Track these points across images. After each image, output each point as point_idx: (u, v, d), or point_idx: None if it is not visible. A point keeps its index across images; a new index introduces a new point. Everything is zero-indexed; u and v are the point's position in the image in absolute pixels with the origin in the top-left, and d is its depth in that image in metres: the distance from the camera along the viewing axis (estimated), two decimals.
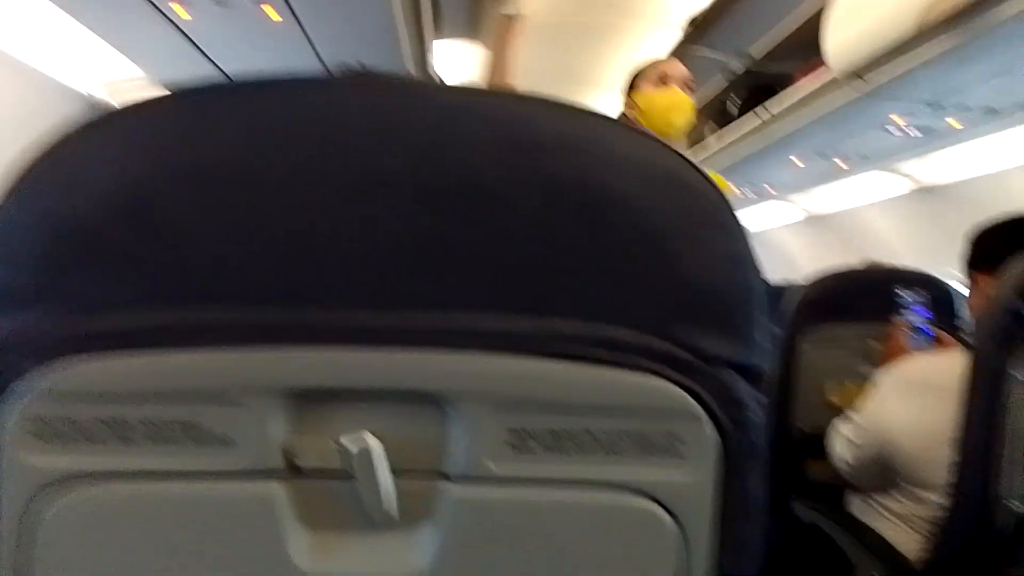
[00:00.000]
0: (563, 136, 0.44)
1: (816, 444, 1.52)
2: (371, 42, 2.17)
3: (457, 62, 4.64)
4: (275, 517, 0.43)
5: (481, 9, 3.58)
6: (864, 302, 1.79)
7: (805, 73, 2.83)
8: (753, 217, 5.45)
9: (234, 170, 0.42)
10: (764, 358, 0.46)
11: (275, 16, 1.92)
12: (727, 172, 3.99)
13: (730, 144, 3.67)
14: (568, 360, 0.43)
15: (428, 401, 0.43)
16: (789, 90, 3.05)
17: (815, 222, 5.08)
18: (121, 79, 2.62)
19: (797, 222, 5.24)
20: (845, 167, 3.59)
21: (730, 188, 4.47)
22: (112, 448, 0.42)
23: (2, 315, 0.42)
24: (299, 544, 0.43)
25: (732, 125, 3.61)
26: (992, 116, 2.54)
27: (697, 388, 0.44)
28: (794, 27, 3.05)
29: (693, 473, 0.44)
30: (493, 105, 0.44)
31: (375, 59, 2.32)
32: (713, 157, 3.91)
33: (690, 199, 0.45)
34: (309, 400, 0.43)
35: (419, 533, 0.44)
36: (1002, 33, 1.78)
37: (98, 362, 0.41)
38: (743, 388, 0.45)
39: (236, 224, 0.42)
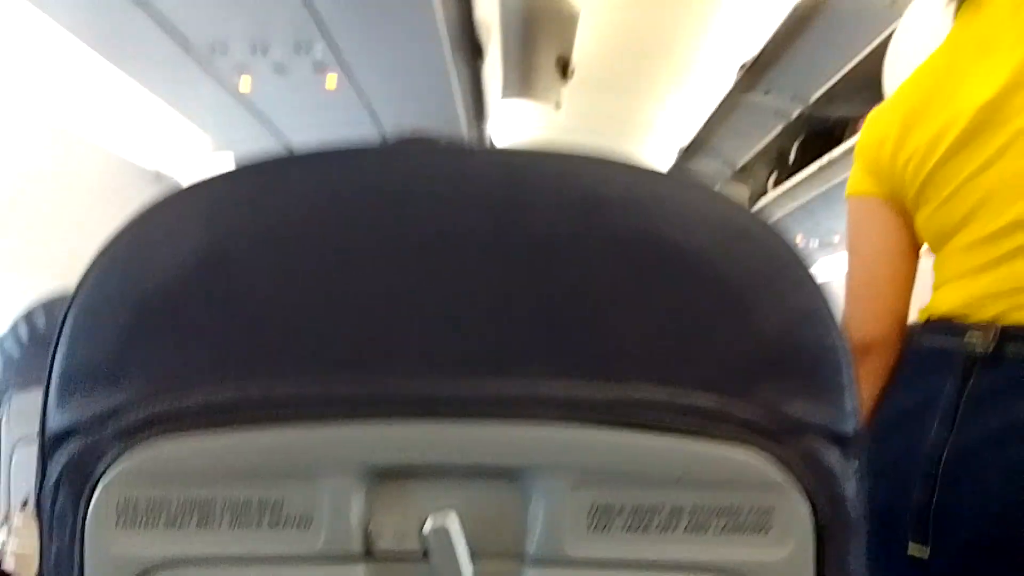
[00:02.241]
0: (631, 192, 0.42)
1: None
2: (428, 106, 2.20)
3: (513, 121, 4.71)
4: None
5: (536, 66, 3.63)
6: None
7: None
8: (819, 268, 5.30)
9: (305, 237, 0.42)
10: (856, 424, 0.43)
11: (333, 84, 1.97)
12: (790, 222, 3.91)
13: (790, 192, 3.61)
14: (650, 430, 0.40)
15: (507, 477, 0.41)
16: (850, 134, 3.00)
17: None
18: (188, 151, 2.73)
19: None
20: None
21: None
22: (196, 532, 0.41)
23: (85, 396, 0.42)
24: None
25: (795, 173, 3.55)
26: None
27: (787, 457, 0.41)
28: (852, 68, 3.01)
29: (785, 551, 0.41)
30: (557, 163, 0.43)
31: (432, 122, 2.36)
32: (773, 205, 3.85)
33: (764, 255, 0.43)
34: (387, 477, 0.42)
35: None
36: None
37: (184, 440, 0.41)
38: (836, 457, 0.42)
39: (310, 292, 0.41)
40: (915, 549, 0.88)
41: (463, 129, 2.53)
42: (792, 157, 3.70)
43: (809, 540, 0.41)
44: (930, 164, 0.94)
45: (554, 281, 0.41)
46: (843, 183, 3.13)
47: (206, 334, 0.41)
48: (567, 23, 3.17)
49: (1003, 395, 0.84)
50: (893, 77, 2.29)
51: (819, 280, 0.43)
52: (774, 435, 0.41)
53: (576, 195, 0.42)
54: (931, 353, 0.92)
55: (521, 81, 3.65)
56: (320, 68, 1.88)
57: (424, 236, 0.41)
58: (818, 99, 3.55)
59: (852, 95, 3.21)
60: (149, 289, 0.42)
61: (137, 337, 0.42)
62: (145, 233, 0.43)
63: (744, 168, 4.78)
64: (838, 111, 3.42)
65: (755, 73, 3.59)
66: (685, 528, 0.41)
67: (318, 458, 0.41)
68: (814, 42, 3.13)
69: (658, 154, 5.33)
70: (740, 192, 4.68)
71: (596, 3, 3.07)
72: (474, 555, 0.41)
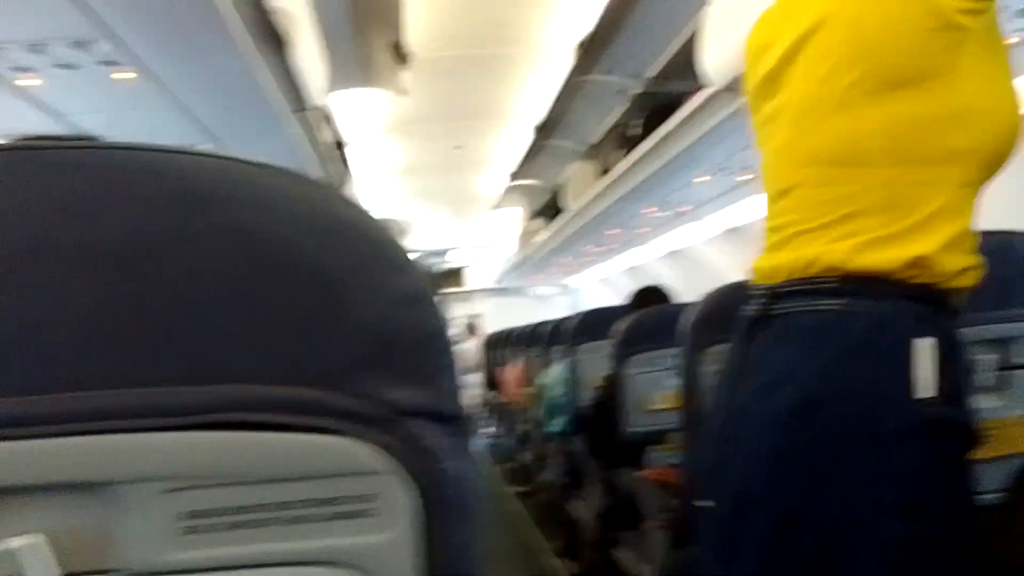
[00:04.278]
0: (221, 187, 0.41)
1: None
2: (236, 97, 2.10)
3: (356, 110, 4.61)
4: None
5: (368, 53, 3.55)
6: None
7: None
8: (674, 236, 5.47)
9: None
10: (456, 402, 0.44)
11: (129, 76, 1.83)
12: (638, 197, 3.98)
13: (634, 167, 3.70)
14: (244, 430, 0.39)
15: (97, 491, 0.39)
16: (684, 107, 3.08)
17: (735, 234, 5.14)
18: None
19: (717, 236, 5.28)
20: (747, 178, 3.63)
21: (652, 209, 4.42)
22: None
23: None
24: None
25: (638, 147, 3.63)
26: None
27: (388, 442, 0.41)
28: (684, 44, 3.11)
29: (390, 533, 0.41)
30: (146, 160, 0.41)
31: (246, 112, 2.26)
32: (620, 181, 3.94)
33: (359, 243, 0.43)
34: None
35: None
36: None
37: None
38: (438, 437, 0.42)
39: None
40: (708, 503, 0.92)
41: (285, 117, 2.44)
42: (637, 133, 3.79)
43: (414, 521, 0.41)
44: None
45: (143, 285, 0.39)
46: (682, 155, 3.19)
47: None
48: (391, 7, 3.12)
49: (766, 354, 0.87)
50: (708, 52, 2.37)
51: (416, 263, 0.43)
52: (374, 422, 0.41)
53: (165, 192, 0.40)
54: (739, 321, 0.95)
55: (354, 69, 3.57)
56: (110, 63, 1.76)
57: (6, 247, 0.39)
58: (656, 76, 3.66)
59: (687, 71, 3.31)
60: None
61: None
62: None
63: (597, 145, 4.88)
64: (677, 87, 3.51)
65: (595, 52, 3.66)
66: (287, 522, 0.40)
67: None
68: (646, 20, 3.22)
69: (514, 133, 5.38)
70: (588, 169, 4.77)
71: None
72: (70, 574, 0.39)
